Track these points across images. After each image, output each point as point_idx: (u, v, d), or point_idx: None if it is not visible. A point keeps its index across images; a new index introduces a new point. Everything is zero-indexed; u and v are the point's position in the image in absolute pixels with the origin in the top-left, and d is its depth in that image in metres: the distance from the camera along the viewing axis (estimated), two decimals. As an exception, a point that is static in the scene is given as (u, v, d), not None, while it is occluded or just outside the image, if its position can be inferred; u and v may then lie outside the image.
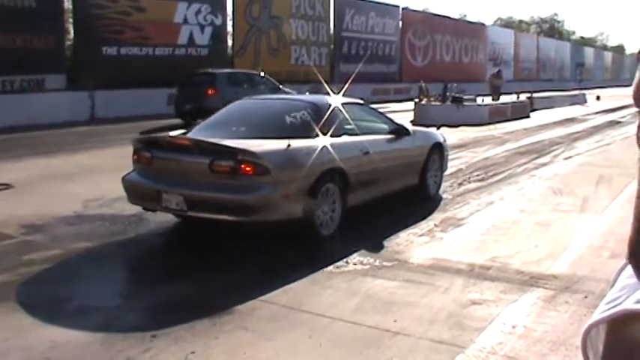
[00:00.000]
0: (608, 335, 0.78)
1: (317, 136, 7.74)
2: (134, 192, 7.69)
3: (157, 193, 7.27)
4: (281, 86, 23.32)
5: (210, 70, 24.06)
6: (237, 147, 7.04)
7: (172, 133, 8.32)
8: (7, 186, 10.40)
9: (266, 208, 6.95)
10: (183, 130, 8.54)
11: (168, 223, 8.22)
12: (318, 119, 7.96)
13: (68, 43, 26.15)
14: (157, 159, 7.48)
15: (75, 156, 14.42)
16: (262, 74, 23.84)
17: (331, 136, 7.86)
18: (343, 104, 8.68)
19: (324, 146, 7.59)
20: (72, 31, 26.26)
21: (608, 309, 0.83)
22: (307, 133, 7.75)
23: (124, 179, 7.74)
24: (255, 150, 6.99)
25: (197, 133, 8.06)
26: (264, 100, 10.01)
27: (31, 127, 19.02)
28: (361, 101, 9.90)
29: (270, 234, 7.37)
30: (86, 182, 10.96)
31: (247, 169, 6.91)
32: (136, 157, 7.70)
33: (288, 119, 8.00)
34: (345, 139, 8.17)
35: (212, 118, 8.77)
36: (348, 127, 8.39)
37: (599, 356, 0.82)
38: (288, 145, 7.25)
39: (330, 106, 8.38)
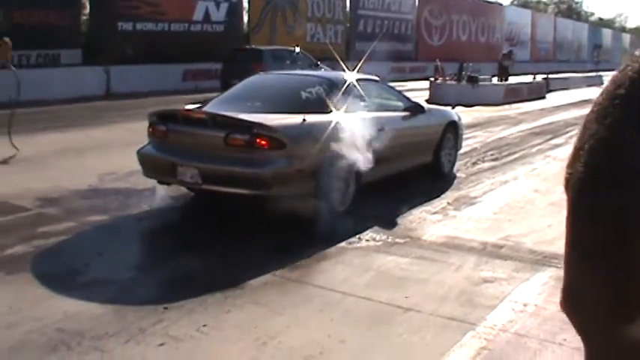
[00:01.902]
0: None
1: (332, 111, 7.73)
2: (149, 165, 7.70)
3: (171, 166, 7.28)
4: (319, 62, 23.49)
5: (255, 47, 25.23)
6: (253, 121, 7.04)
7: (188, 107, 8.32)
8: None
9: (280, 182, 6.97)
10: (198, 104, 8.54)
11: (181, 198, 8.24)
12: (333, 95, 7.95)
13: (84, 18, 26.11)
14: (173, 132, 7.48)
15: (90, 130, 14.45)
16: (298, 50, 24.02)
17: (346, 112, 7.84)
18: (358, 81, 8.65)
19: (339, 122, 7.58)
20: (88, 6, 26.20)
21: None
22: (322, 108, 7.74)
23: (139, 152, 7.75)
24: (270, 124, 6.99)
25: (213, 107, 8.06)
26: (280, 76, 9.99)
27: (46, 102, 19.04)
28: (376, 78, 9.86)
29: (283, 209, 7.37)
30: (101, 156, 10.99)
31: (262, 142, 6.92)
32: (151, 130, 7.70)
33: (303, 94, 7.99)
34: (359, 115, 8.14)
35: (227, 92, 8.79)
36: (363, 103, 8.36)
37: None
38: (304, 120, 7.25)
39: (345, 82, 8.36)
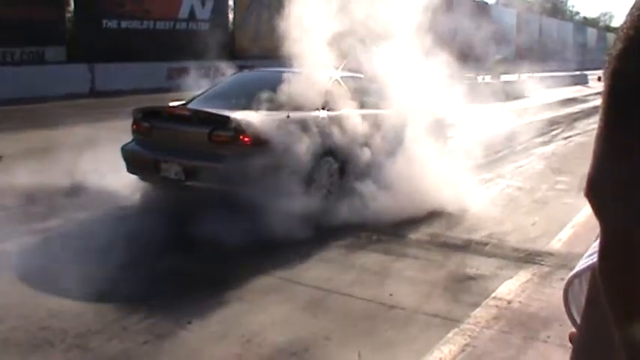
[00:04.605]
0: (591, 284, 0.78)
1: (317, 109, 7.73)
2: (133, 161, 7.70)
3: (155, 162, 7.28)
4: None
5: None
6: (237, 117, 7.04)
7: (172, 104, 8.31)
8: None
9: (264, 179, 6.95)
10: (182, 101, 8.52)
11: (165, 195, 8.19)
12: (318, 92, 7.93)
13: (68, 15, 25.95)
14: (157, 129, 7.49)
15: (74, 128, 14.35)
16: None
17: (330, 109, 7.84)
18: (343, 78, 8.63)
19: (323, 118, 7.58)
20: (72, 4, 26.04)
21: (591, 260, 0.83)
22: (307, 105, 7.73)
23: (123, 149, 7.75)
24: (254, 120, 7.00)
25: (197, 104, 8.06)
26: (264, 73, 9.97)
27: (30, 100, 18.93)
28: (361, 75, 9.83)
29: (267, 206, 7.35)
30: (85, 154, 10.91)
31: (246, 139, 6.92)
32: (135, 127, 7.70)
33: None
34: (344, 112, 8.12)
35: (212, 89, 8.77)
36: (348, 100, 8.34)
37: (581, 308, 0.82)
38: (288, 117, 7.24)
39: (330, 79, 8.35)
